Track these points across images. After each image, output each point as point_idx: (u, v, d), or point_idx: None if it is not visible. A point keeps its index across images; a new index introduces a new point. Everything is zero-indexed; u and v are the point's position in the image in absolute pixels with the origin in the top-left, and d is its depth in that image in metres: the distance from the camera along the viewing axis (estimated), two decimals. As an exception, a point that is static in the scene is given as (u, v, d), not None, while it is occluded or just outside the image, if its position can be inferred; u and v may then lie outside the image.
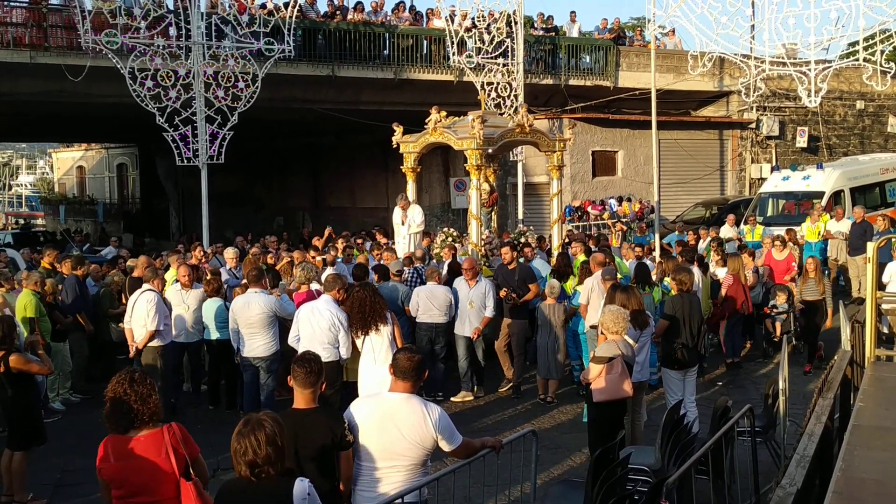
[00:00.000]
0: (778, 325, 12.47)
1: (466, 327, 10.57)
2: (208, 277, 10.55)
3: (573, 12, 26.23)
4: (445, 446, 4.87)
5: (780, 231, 18.02)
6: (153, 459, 4.33)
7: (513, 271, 11.14)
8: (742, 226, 18.48)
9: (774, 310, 12.37)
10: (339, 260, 13.36)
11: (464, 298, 10.58)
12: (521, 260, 12.72)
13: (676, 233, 17.87)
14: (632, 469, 5.98)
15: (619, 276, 10.75)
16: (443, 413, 4.87)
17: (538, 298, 11.08)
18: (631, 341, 7.32)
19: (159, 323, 9.29)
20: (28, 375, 7.14)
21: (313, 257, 12.84)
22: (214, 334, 10.13)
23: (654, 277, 11.85)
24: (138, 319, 9.32)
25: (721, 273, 12.34)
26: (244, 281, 10.27)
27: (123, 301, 11.26)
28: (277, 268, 12.80)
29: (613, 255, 12.77)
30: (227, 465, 8.26)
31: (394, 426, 4.73)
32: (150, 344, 9.36)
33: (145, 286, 9.54)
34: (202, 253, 13.73)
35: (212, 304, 10.17)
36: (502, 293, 10.85)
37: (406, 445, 4.73)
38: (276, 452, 3.82)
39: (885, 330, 8.84)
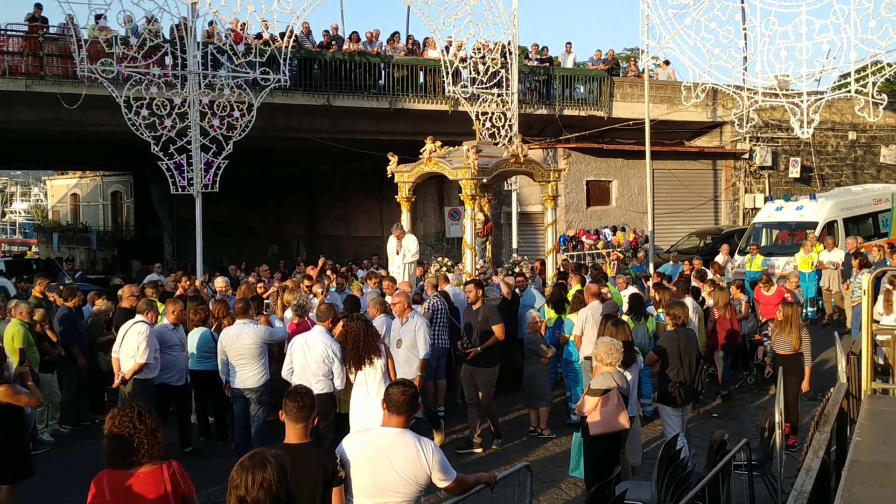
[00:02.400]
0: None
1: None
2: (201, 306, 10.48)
3: (568, 43, 26.45)
4: (439, 482, 4.80)
5: (779, 260, 18.11)
6: (151, 497, 4.24)
7: (477, 312, 9.74)
8: (741, 256, 18.48)
9: (766, 339, 12.30)
10: (333, 290, 13.30)
11: (393, 337, 9.38)
12: (516, 290, 12.69)
13: (671, 262, 17.87)
14: (628, 505, 5.91)
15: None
16: (437, 448, 4.80)
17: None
18: (627, 374, 7.27)
19: (149, 356, 9.14)
20: (16, 407, 7.03)
21: (308, 286, 12.76)
22: (200, 365, 10.01)
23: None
24: (128, 350, 9.17)
25: (710, 304, 12.32)
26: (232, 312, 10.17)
27: (112, 331, 11.09)
28: (265, 295, 12.72)
29: (608, 284, 12.74)
30: (217, 499, 8.16)
31: (386, 461, 4.66)
32: (136, 376, 9.21)
33: (138, 317, 9.40)
34: (188, 283, 13.63)
35: (196, 334, 10.08)
36: (459, 345, 9.87)
37: (399, 481, 4.65)
38: (268, 496, 3.73)
39: (881, 361, 8.81)
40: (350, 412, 8.00)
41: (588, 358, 9.75)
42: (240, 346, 9.00)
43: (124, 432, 4.24)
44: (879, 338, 9.06)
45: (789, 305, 10.24)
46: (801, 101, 20.05)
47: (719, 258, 18.01)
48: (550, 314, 11.70)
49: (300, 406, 4.71)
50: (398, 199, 14.20)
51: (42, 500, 8.26)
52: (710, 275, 14.59)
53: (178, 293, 13.15)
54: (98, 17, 16.17)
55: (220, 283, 12.78)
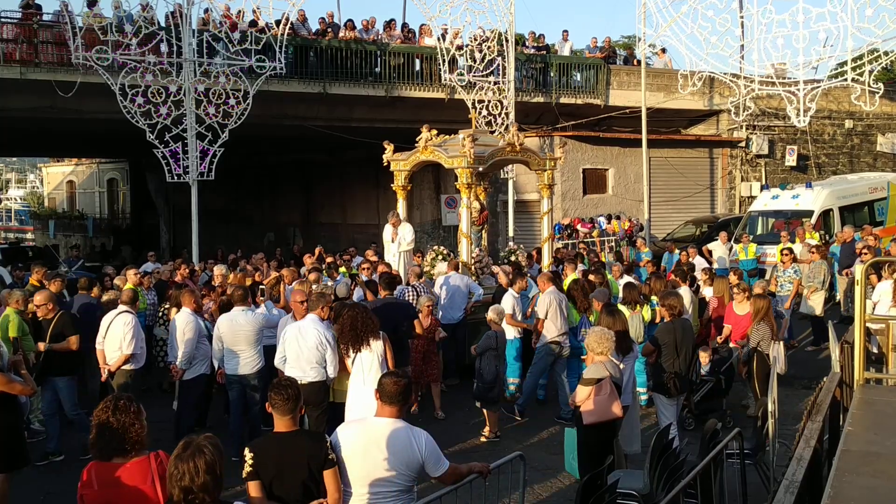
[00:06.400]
0: None
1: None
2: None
3: (565, 31, 26.33)
4: (432, 472, 4.82)
5: (773, 248, 18.05)
6: (139, 488, 4.26)
7: None
8: (734, 244, 18.48)
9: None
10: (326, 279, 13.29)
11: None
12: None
13: (668, 252, 17.82)
14: (620, 494, 5.94)
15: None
16: (429, 438, 4.82)
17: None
18: (618, 363, 7.29)
19: (136, 346, 9.08)
20: (11, 396, 7.03)
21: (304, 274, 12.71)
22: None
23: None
24: (113, 342, 9.08)
25: (708, 293, 12.31)
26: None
27: None
28: (266, 283, 12.69)
29: (606, 274, 12.77)
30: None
31: (379, 452, 4.68)
32: (123, 367, 9.16)
33: (122, 307, 9.34)
34: (187, 270, 13.59)
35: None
36: None
37: (392, 471, 4.68)
38: (214, 481, 3.76)
39: (875, 350, 8.84)
40: (346, 401, 7.97)
41: (553, 342, 10.19)
42: (236, 332, 8.99)
43: (104, 424, 4.28)
44: (873, 326, 9.10)
45: (761, 298, 10.21)
46: (798, 90, 20.05)
47: (715, 245, 18.00)
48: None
49: (286, 398, 4.74)
50: (394, 188, 14.18)
51: (38, 489, 8.27)
52: (705, 263, 14.59)
53: (175, 280, 13.15)
54: (91, 3, 16.10)
55: (219, 270, 12.77)
